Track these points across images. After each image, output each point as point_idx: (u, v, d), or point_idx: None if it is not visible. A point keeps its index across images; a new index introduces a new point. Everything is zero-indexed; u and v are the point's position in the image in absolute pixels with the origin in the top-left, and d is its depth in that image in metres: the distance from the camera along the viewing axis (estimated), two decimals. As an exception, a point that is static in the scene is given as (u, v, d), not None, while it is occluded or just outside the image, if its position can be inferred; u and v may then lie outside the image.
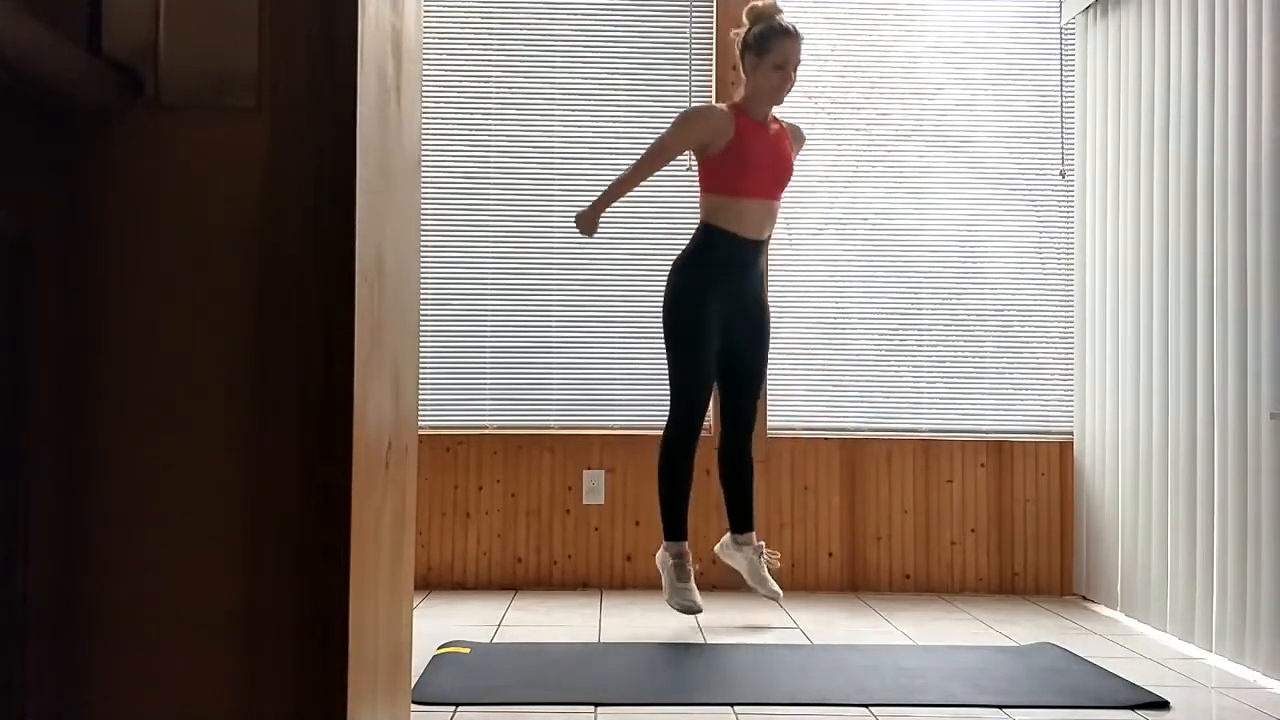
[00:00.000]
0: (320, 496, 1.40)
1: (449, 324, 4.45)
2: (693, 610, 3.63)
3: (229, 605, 1.39)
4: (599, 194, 3.79)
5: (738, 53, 3.77)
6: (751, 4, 3.77)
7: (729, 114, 3.69)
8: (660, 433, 3.80)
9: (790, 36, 3.67)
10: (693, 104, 3.97)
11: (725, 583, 4.31)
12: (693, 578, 3.69)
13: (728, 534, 3.89)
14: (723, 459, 3.86)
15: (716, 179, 3.69)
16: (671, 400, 3.73)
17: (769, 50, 3.66)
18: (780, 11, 3.72)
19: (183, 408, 1.40)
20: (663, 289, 4.45)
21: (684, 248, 3.79)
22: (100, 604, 1.39)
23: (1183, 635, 3.66)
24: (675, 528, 3.72)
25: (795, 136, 3.90)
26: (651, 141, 3.78)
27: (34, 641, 1.32)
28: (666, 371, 3.75)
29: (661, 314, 3.75)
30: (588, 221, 3.78)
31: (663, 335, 3.75)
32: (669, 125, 3.76)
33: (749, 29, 3.73)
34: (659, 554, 3.79)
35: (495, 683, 2.95)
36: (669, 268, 3.79)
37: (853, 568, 4.45)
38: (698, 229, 3.75)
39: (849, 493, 4.46)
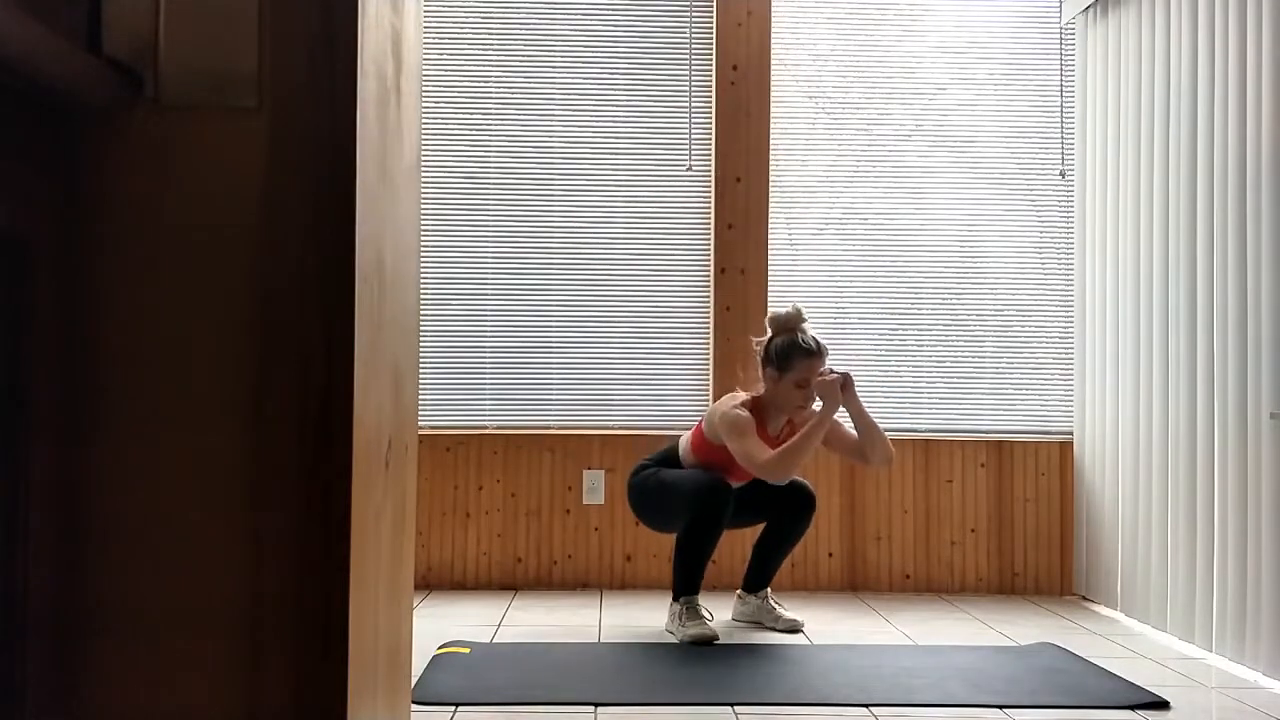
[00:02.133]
0: (320, 496, 1.41)
1: (449, 324, 4.45)
2: (708, 638, 3.46)
3: (229, 605, 1.39)
4: (817, 432, 3.51)
5: (758, 359, 3.64)
6: (773, 312, 3.67)
7: (752, 420, 3.53)
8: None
9: (814, 357, 3.54)
10: (730, 405, 3.55)
11: (725, 583, 4.31)
12: (703, 614, 3.55)
13: (737, 593, 3.85)
14: (775, 525, 3.77)
15: (708, 457, 3.61)
16: (693, 507, 3.54)
17: (790, 369, 3.54)
18: (804, 320, 3.60)
19: (182, 407, 1.40)
20: (660, 295, 4.49)
21: (646, 459, 3.76)
22: (100, 604, 1.39)
23: (1183, 635, 3.66)
24: (689, 588, 3.59)
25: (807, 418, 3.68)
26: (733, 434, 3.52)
27: (34, 641, 1.32)
28: (678, 519, 3.62)
29: (634, 504, 3.74)
30: (827, 401, 3.56)
31: (646, 510, 3.71)
32: (730, 437, 3.50)
33: (770, 338, 3.61)
34: (668, 614, 3.62)
35: (495, 683, 2.95)
36: (632, 473, 3.75)
37: (853, 568, 4.45)
38: (670, 455, 3.71)
39: (849, 493, 4.46)
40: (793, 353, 3.54)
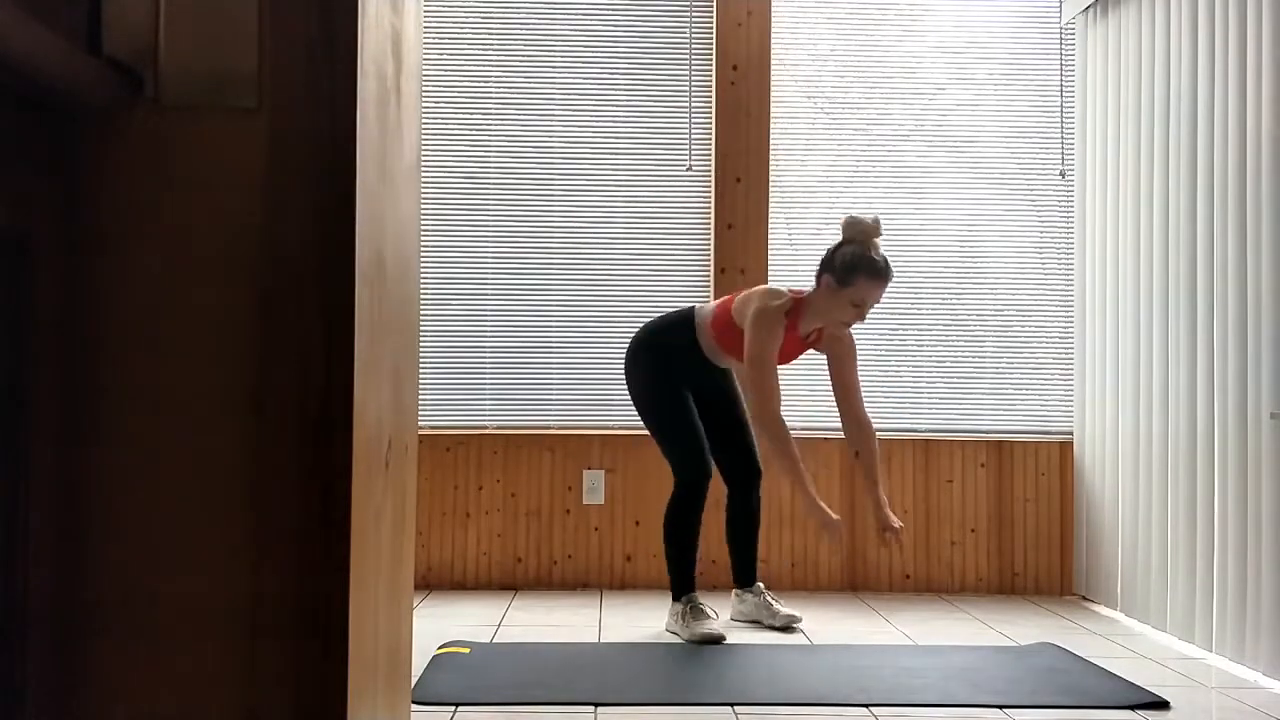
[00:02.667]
0: (320, 496, 1.40)
1: (449, 324, 4.45)
2: (715, 638, 3.47)
3: (229, 605, 1.39)
4: (802, 490, 3.42)
5: (819, 267, 3.47)
6: (852, 216, 3.45)
7: (783, 322, 3.45)
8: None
9: (880, 280, 3.35)
10: (768, 302, 3.43)
11: (726, 583, 4.31)
12: (708, 613, 3.57)
13: (733, 592, 3.87)
14: (732, 517, 3.80)
15: (728, 339, 3.56)
16: (676, 470, 3.64)
17: (852, 285, 3.35)
18: (880, 234, 3.41)
19: (183, 408, 1.40)
20: (660, 295, 4.48)
21: (659, 321, 3.72)
22: (100, 604, 1.39)
23: (1183, 635, 3.66)
24: (686, 584, 3.62)
25: (838, 342, 3.64)
26: (754, 352, 3.44)
27: (34, 641, 1.32)
28: (661, 448, 3.69)
29: (634, 399, 3.72)
30: (822, 515, 3.40)
31: (645, 417, 3.70)
32: (752, 332, 3.43)
33: (841, 244, 3.42)
34: (669, 614, 3.63)
35: (495, 683, 2.95)
36: (640, 335, 3.71)
37: (853, 568, 4.45)
38: (686, 322, 3.65)
39: (849, 493, 4.46)
40: (859, 267, 3.33)
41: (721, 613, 3.78)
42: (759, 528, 3.85)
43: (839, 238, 3.50)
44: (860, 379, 3.72)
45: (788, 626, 3.67)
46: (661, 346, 3.68)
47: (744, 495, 3.77)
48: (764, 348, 3.40)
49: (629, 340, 3.75)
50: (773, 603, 3.75)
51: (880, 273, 3.35)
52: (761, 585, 3.81)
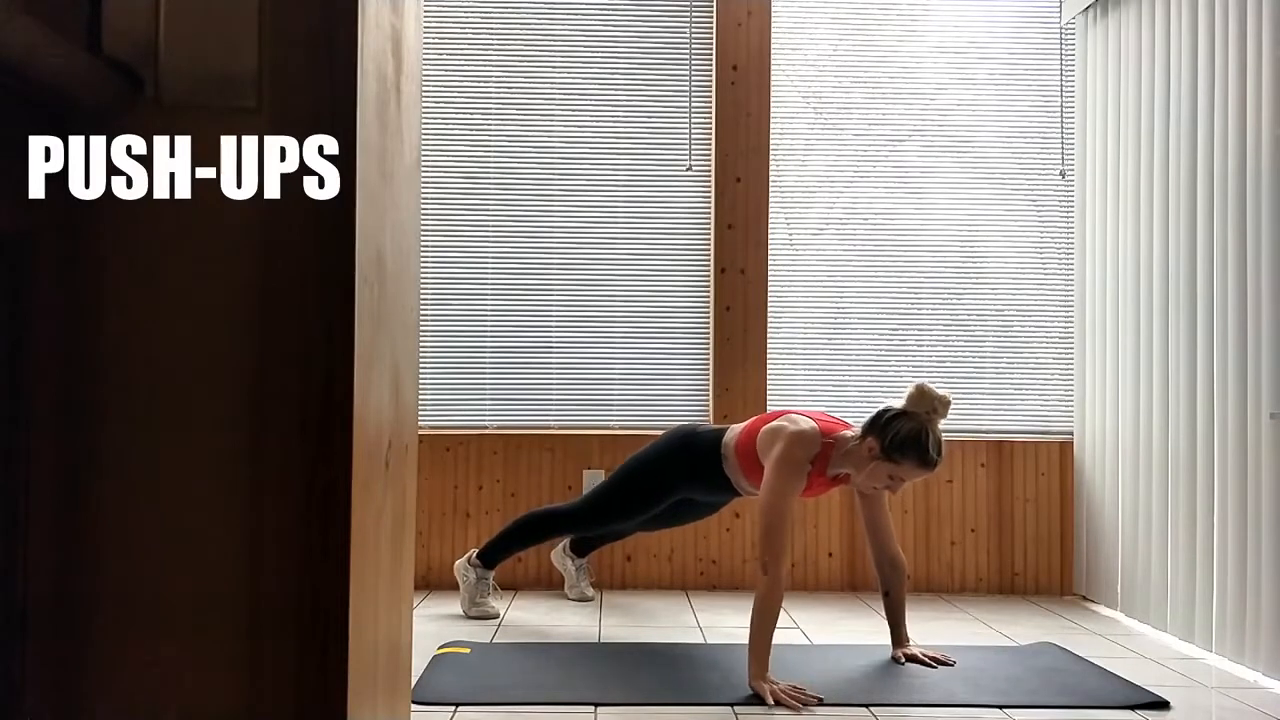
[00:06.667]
0: (320, 496, 1.41)
1: (449, 324, 4.45)
2: (490, 616, 3.80)
3: (229, 604, 1.40)
4: (760, 650, 2.93)
5: (868, 422, 3.08)
6: (923, 388, 3.03)
7: (807, 470, 3.10)
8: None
9: (928, 471, 3.04)
10: (793, 449, 3.09)
11: (725, 584, 4.31)
12: (492, 593, 3.87)
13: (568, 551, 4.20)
14: (589, 540, 4.15)
15: (752, 472, 3.29)
16: (591, 506, 3.72)
17: (897, 463, 3.02)
18: (946, 416, 3.04)
19: (183, 407, 1.40)
20: (660, 295, 4.48)
21: (700, 439, 3.48)
22: (100, 603, 1.39)
23: (1183, 635, 3.66)
24: (496, 560, 3.87)
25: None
26: (772, 497, 3.05)
27: (34, 640, 1.32)
28: (611, 482, 3.71)
29: (644, 453, 3.64)
30: (762, 679, 2.89)
31: (632, 470, 3.64)
32: (771, 479, 3.05)
33: (899, 414, 3.02)
34: (464, 566, 3.88)
35: (495, 683, 2.95)
36: (687, 431, 3.58)
37: (853, 568, 4.45)
38: (715, 458, 3.41)
39: (849, 493, 4.45)
40: (911, 452, 3.00)
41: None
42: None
43: (900, 402, 3.06)
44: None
45: (581, 598, 4.10)
46: (694, 465, 3.50)
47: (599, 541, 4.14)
48: (780, 499, 3.03)
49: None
50: (586, 580, 4.15)
51: (930, 465, 3.03)
52: (585, 561, 4.17)
